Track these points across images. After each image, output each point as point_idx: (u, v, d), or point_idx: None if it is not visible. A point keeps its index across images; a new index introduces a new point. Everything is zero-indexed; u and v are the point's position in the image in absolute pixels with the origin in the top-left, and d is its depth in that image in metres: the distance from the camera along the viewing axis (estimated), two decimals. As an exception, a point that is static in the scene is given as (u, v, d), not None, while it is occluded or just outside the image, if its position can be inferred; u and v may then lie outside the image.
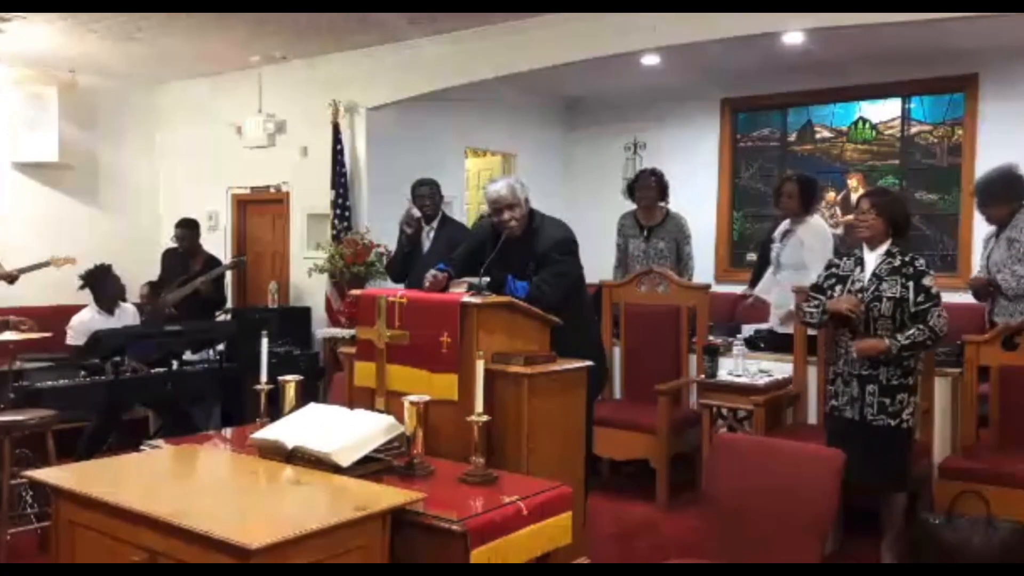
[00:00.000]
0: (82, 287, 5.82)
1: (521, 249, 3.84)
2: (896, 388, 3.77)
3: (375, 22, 6.11)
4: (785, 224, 5.30)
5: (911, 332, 3.70)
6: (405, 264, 5.43)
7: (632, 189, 5.94)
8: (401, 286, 5.34)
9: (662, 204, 5.85)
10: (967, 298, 5.31)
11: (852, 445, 3.30)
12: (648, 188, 5.77)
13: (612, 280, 5.76)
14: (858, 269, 3.86)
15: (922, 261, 3.81)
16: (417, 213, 5.38)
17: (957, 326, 4.71)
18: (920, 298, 3.72)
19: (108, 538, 2.37)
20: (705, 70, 7.49)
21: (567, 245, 3.92)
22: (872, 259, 3.83)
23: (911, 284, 3.72)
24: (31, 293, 6.41)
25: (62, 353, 5.51)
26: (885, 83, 7.27)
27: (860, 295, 3.78)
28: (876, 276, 3.78)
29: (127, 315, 5.90)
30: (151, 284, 6.55)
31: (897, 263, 3.77)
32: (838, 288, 3.87)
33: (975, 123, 6.97)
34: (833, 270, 3.97)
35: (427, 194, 5.47)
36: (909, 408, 3.78)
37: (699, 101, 8.14)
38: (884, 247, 3.82)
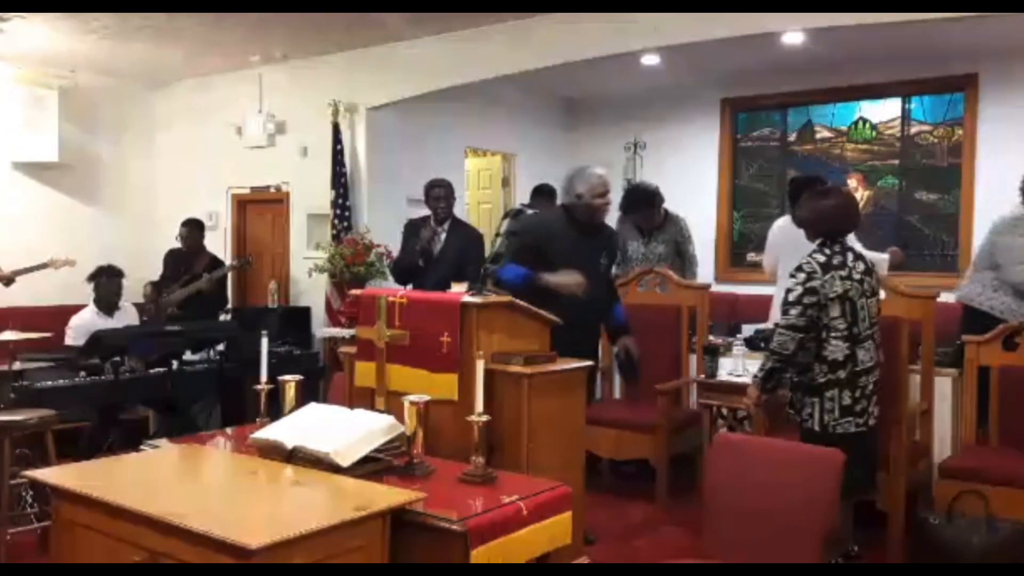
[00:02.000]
0: (90, 279, 5.83)
1: (593, 241, 3.88)
2: (795, 386, 3.76)
3: (375, 22, 6.11)
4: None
5: (762, 361, 3.75)
6: (414, 271, 5.36)
7: (626, 209, 5.93)
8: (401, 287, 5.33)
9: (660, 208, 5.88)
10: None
11: None
12: (641, 209, 5.81)
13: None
14: None
15: (808, 262, 3.62)
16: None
17: (956, 326, 4.73)
18: (782, 299, 3.73)
19: (108, 538, 2.37)
20: (705, 70, 7.49)
21: None
22: None
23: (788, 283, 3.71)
24: (31, 293, 6.41)
25: (62, 353, 5.51)
26: (885, 83, 7.27)
27: None
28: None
29: (127, 316, 5.90)
30: (153, 283, 6.55)
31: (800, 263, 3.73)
32: None
33: (975, 123, 6.97)
34: None
35: (442, 195, 5.38)
36: (808, 409, 3.69)
37: (699, 101, 8.15)
38: (811, 247, 3.76)
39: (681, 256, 5.89)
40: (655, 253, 5.82)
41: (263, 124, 7.46)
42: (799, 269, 3.64)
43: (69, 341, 5.65)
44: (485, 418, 2.81)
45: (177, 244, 6.82)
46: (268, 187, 7.68)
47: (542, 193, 6.39)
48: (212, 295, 6.56)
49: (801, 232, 3.88)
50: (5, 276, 5.93)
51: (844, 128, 7.70)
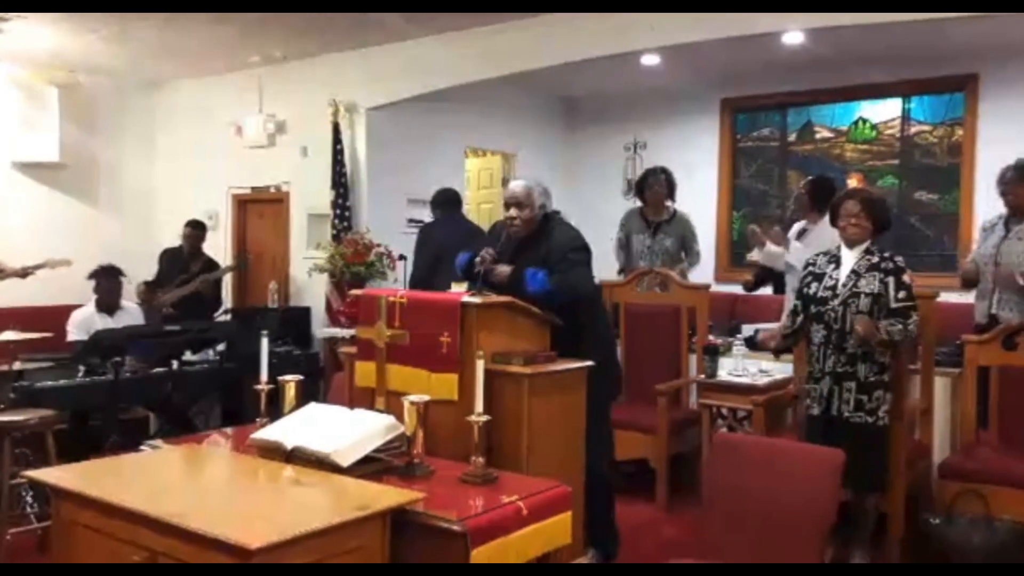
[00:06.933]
0: (89, 277, 5.84)
1: (530, 252, 3.79)
2: (873, 385, 3.77)
3: (375, 22, 6.11)
4: (800, 224, 5.33)
5: (895, 328, 3.69)
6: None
7: (640, 187, 6.00)
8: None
9: (669, 203, 5.93)
10: (967, 298, 5.31)
11: (830, 444, 3.27)
12: (658, 185, 5.88)
13: (615, 273, 5.85)
14: (832, 267, 3.87)
15: (901, 259, 3.82)
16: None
17: (956, 326, 4.74)
18: (901, 295, 3.73)
19: (108, 538, 2.36)
20: (705, 70, 7.50)
21: (579, 242, 3.83)
22: (851, 256, 3.84)
23: (891, 279, 3.74)
24: (30, 293, 6.40)
25: (62, 353, 5.51)
26: (885, 83, 7.27)
27: (832, 292, 3.81)
28: (855, 273, 3.79)
29: (129, 316, 5.89)
30: (147, 283, 6.55)
31: (875, 260, 3.79)
32: (814, 285, 3.90)
33: (975, 123, 6.97)
34: (810, 268, 3.98)
35: None
36: (886, 405, 3.79)
37: (699, 101, 8.15)
38: (864, 245, 3.83)
39: (687, 252, 5.99)
40: (662, 246, 5.89)
41: (263, 124, 7.46)
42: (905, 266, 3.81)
43: (70, 337, 5.65)
44: (485, 418, 2.81)
45: (173, 243, 6.82)
46: (268, 187, 7.69)
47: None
48: (209, 296, 6.56)
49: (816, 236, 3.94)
50: (19, 271, 5.92)
51: (844, 128, 7.70)
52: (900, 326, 3.69)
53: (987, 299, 4.80)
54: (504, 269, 3.67)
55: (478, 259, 3.69)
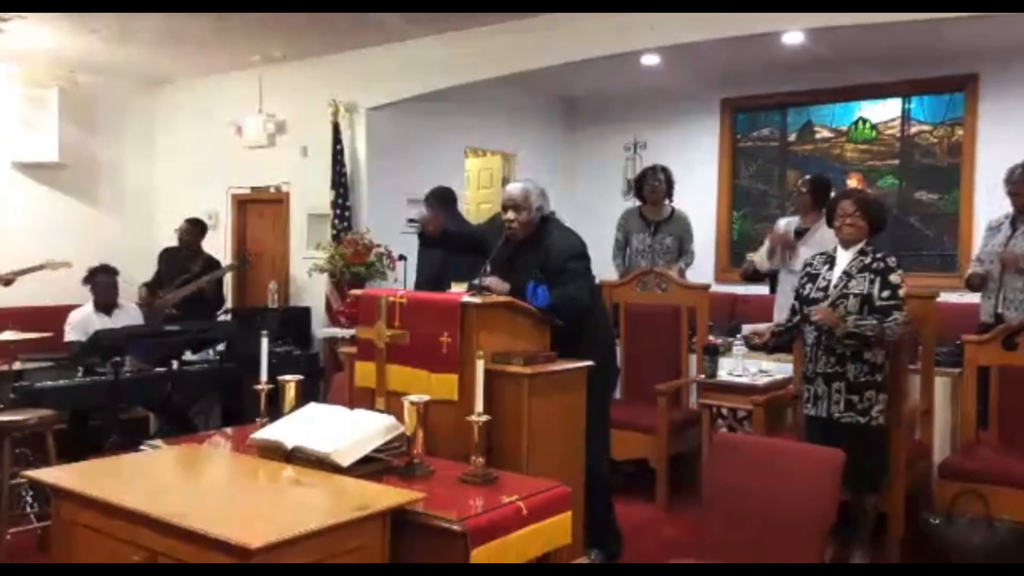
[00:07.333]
0: (84, 282, 5.84)
1: (529, 255, 3.78)
2: (864, 385, 3.76)
3: (375, 22, 6.11)
4: (796, 221, 5.32)
5: (865, 323, 3.67)
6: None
7: (639, 185, 6.02)
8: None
9: (667, 201, 5.96)
10: (967, 298, 5.31)
11: (829, 444, 3.28)
12: (657, 183, 5.91)
13: (613, 274, 5.85)
14: (826, 268, 3.88)
15: (894, 259, 3.80)
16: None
17: (956, 326, 4.74)
18: (885, 293, 3.71)
19: (108, 538, 2.37)
20: (705, 70, 7.50)
21: (578, 249, 3.80)
22: (845, 257, 3.84)
23: (878, 279, 3.73)
24: (30, 294, 6.40)
25: (62, 353, 5.51)
26: (885, 83, 7.27)
27: (824, 293, 3.81)
28: (846, 274, 3.79)
29: (127, 315, 5.89)
30: (147, 285, 6.54)
31: (868, 260, 3.78)
32: (808, 286, 3.91)
33: (975, 123, 6.97)
34: (807, 268, 4.01)
35: None
36: (879, 405, 3.77)
37: (699, 101, 8.15)
38: (859, 246, 3.83)
39: (682, 251, 6.00)
40: (663, 245, 5.93)
41: (263, 124, 7.46)
42: (899, 266, 3.78)
43: (68, 337, 5.65)
44: (485, 418, 2.81)
45: (172, 243, 6.81)
46: (268, 187, 7.69)
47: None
48: (211, 295, 6.56)
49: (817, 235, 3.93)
50: (4, 277, 5.92)
51: (844, 128, 7.70)
52: (874, 321, 3.66)
53: (993, 298, 4.80)
54: (502, 286, 3.63)
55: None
